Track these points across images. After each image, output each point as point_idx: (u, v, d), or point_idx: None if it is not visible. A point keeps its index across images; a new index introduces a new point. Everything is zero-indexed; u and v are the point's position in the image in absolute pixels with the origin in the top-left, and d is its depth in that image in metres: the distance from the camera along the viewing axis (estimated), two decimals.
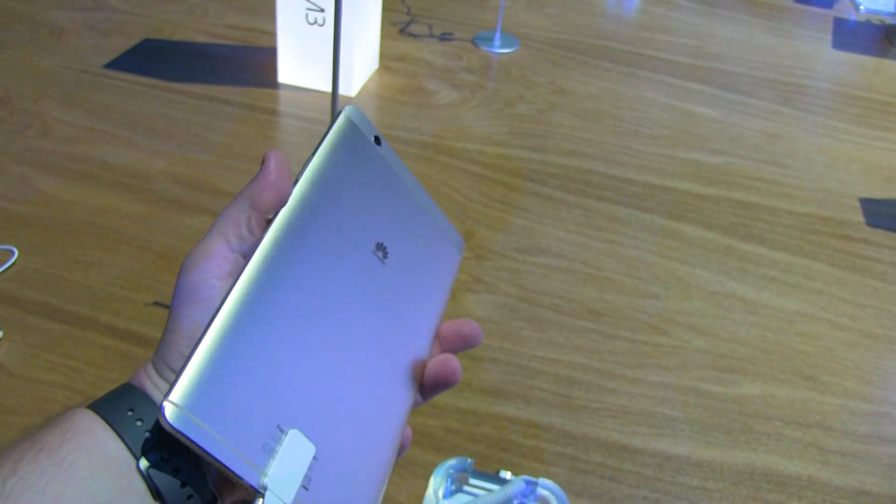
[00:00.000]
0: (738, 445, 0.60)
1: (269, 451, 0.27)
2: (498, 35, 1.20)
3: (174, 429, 0.25)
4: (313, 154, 0.34)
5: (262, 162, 0.32)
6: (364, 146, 0.35)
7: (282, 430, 0.28)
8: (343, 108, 0.35)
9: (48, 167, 0.81)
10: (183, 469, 0.29)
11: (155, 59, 1.05)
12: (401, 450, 0.35)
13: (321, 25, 0.96)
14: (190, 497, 0.28)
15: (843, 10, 1.55)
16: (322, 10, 0.95)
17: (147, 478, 0.28)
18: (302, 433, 0.29)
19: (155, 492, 0.28)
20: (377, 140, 0.36)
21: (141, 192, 0.78)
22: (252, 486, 0.26)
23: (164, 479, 0.28)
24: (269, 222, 0.32)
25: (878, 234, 0.87)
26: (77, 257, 0.69)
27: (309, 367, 0.30)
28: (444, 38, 1.19)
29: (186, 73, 1.01)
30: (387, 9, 1.13)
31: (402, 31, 1.20)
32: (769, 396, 0.65)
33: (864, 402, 0.66)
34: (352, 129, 0.35)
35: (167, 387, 0.27)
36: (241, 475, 0.26)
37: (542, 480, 0.49)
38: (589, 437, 0.59)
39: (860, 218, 0.90)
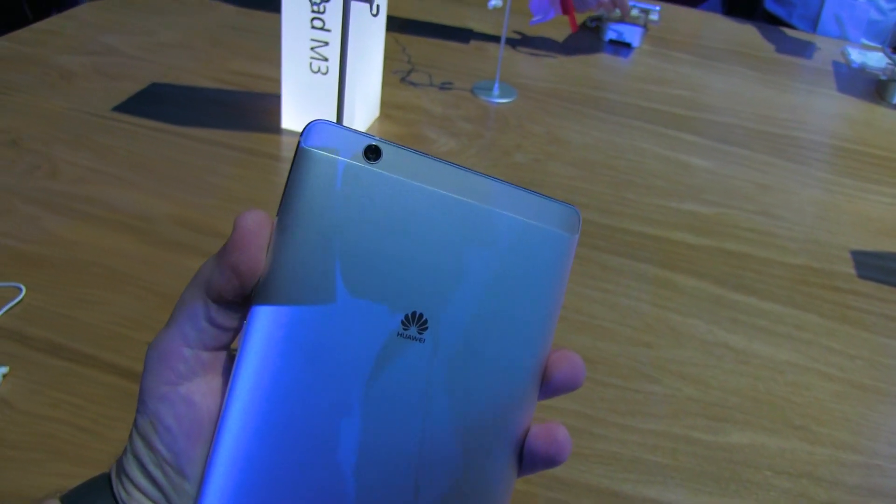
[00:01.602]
0: (728, 494, 0.61)
1: None
2: (496, 85, 1.23)
3: None
4: (280, 212, 0.25)
5: (233, 229, 0.25)
6: (351, 175, 0.25)
7: None
8: (303, 130, 0.25)
9: (55, 207, 0.82)
10: None
11: (161, 103, 1.07)
12: None
13: (325, 74, 0.99)
14: None
15: (835, 64, 1.58)
16: (326, 59, 0.98)
17: None
18: None
19: None
20: (372, 152, 0.25)
21: (144, 233, 0.79)
22: None
23: None
24: (246, 304, 0.26)
25: (869, 286, 0.88)
26: (81, 296, 0.70)
27: None
28: (444, 87, 1.22)
29: (191, 117, 1.04)
30: (388, 57, 1.16)
31: (402, 80, 1.23)
32: (759, 445, 0.66)
33: (854, 454, 0.67)
34: (321, 161, 0.25)
35: (126, 495, 0.27)
36: None
37: None
38: (580, 484, 0.60)
39: (851, 269, 0.91)
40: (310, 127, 0.25)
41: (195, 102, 1.08)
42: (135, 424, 0.27)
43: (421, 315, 0.25)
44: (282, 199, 0.25)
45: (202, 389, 0.27)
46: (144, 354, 0.27)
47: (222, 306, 0.26)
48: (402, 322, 0.25)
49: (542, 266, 0.28)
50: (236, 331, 0.27)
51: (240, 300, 0.26)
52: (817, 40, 1.70)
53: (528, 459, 0.29)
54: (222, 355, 0.28)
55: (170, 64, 1.19)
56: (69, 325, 0.67)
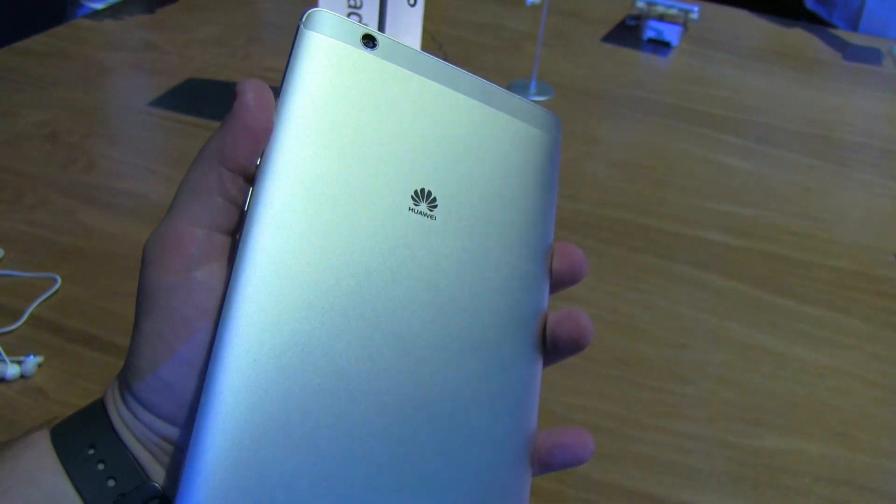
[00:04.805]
0: (765, 500, 0.60)
1: None
2: (533, 83, 1.22)
3: None
4: (281, 92, 0.25)
5: (236, 96, 0.24)
6: (350, 57, 0.25)
7: None
8: (302, 16, 0.25)
9: (91, 200, 0.83)
10: None
11: (197, 98, 1.07)
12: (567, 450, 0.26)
13: None
14: None
15: (879, 64, 1.55)
16: None
17: None
18: None
19: None
20: (369, 41, 0.26)
21: None
22: None
23: None
24: (248, 185, 0.24)
25: None
26: (116, 288, 0.70)
27: (361, 421, 0.22)
28: None
29: (226, 112, 1.04)
30: None
31: None
32: (798, 451, 0.64)
33: None
34: (321, 43, 0.25)
35: (130, 416, 0.23)
36: None
37: None
38: (613, 485, 0.59)
39: (895, 274, 0.89)
40: (310, 13, 0.25)
41: (231, 98, 1.08)
42: (138, 331, 0.23)
43: (427, 190, 0.25)
44: (283, 82, 0.25)
45: (218, 275, 0.23)
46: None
47: (237, 176, 0.24)
48: (413, 197, 0.25)
49: (532, 160, 0.28)
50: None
51: (252, 169, 0.24)
52: (859, 39, 1.66)
53: (553, 346, 0.28)
54: (233, 243, 0.24)
55: (206, 60, 1.19)
56: (103, 317, 0.67)
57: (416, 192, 0.25)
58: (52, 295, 0.68)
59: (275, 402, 0.21)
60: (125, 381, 0.24)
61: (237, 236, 0.24)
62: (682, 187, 1.01)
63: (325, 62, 0.25)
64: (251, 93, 0.24)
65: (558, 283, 0.30)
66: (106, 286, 0.71)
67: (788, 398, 0.69)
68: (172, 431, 0.23)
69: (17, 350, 0.62)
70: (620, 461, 0.61)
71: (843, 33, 1.70)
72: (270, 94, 0.25)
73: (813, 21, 1.80)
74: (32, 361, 0.60)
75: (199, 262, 0.23)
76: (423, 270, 0.24)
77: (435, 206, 0.25)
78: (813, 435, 0.66)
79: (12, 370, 0.59)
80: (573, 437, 0.27)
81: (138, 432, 0.23)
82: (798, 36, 1.65)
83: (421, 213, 0.24)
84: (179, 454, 0.22)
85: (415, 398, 0.23)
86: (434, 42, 1.35)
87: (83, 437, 0.24)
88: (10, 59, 1.13)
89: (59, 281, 0.70)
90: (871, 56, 1.58)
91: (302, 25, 0.25)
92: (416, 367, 0.23)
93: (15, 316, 0.66)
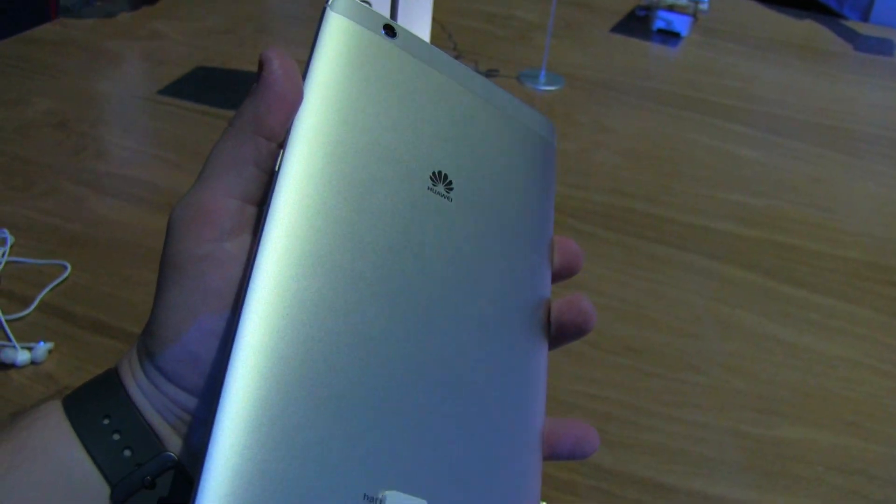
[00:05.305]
0: (777, 489, 0.60)
1: None
2: (543, 73, 1.21)
3: None
4: (306, 70, 0.25)
5: (261, 66, 0.24)
6: (372, 43, 0.26)
7: (373, 500, 0.20)
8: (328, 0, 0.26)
9: (102, 188, 0.83)
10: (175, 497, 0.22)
11: (206, 86, 1.07)
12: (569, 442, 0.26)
13: None
14: None
15: (890, 54, 1.54)
16: None
17: None
18: (401, 493, 0.21)
19: None
20: (389, 30, 0.27)
21: None
22: None
23: None
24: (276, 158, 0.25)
25: None
26: (125, 275, 0.70)
27: (385, 389, 0.21)
28: (490, 74, 1.21)
29: (235, 100, 1.04)
30: (435, 45, 1.15)
31: None
32: (810, 441, 0.64)
33: None
34: (346, 26, 0.26)
35: (150, 387, 0.22)
36: None
37: None
38: (624, 473, 0.59)
39: None
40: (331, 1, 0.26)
41: (239, 86, 1.08)
42: (163, 301, 0.22)
43: (443, 173, 0.26)
44: (309, 59, 0.25)
45: (248, 247, 0.23)
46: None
47: (271, 144, 0.24)
48: (431, 178, 0.25)
49: (533, 159, 0.30)
50: None
51: (283, 136, 0.24)
52: (871, 30, 1.65)
53: (558, 331, 0.29)
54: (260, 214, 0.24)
55: (216, 49, 1.19)
56: (113, 304, 0.67)
57: (433, 173, 0.26)
58: (63, 282, 0.68)
59: (302, 366, 0.20)
60: (146, 350, 0.23)
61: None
62: (692, 177, 1.01)
63: (349, 44, 0.25)
64: (277, 61, 0.24)
65: (556, 275, 0.31)
66: (116, 273, 0.71)
67: (800, 388, 0.69)
68: (195, 403, 0.22)
69: (27, 336, 0.62)
70: (631, 450, 0.61)
71: (853, 24, 1.69)
72: (293, 61, 0.25)
73: (823, 11, 1.79)
74: (43, 348, 0.60)
75: (231, 234, 0.23)
76: (442, 248, 0.25)
77: (451, 189, 0.26)
78: (824, 424, 0.66)
79: (23, 356, 0.60)
80: (581, 429, 0.28)
81: (158, 403, 0.23)
82: (808, 27, 1.64)
83: (438, 193, 0.25)
84: (201, 426, 0.22)
85: (433, 367, 0.23)
86: (444, 32, 1.34)
87: (97, 408, 0.23)
88: (20, 47, 1.13)
89: (69, 268, 0.70)
90: (882, 46, 1.57)
91: (329, 8, 0.26)
92: (435, 338, 0.24)
93: (25, 302, 0.66)
